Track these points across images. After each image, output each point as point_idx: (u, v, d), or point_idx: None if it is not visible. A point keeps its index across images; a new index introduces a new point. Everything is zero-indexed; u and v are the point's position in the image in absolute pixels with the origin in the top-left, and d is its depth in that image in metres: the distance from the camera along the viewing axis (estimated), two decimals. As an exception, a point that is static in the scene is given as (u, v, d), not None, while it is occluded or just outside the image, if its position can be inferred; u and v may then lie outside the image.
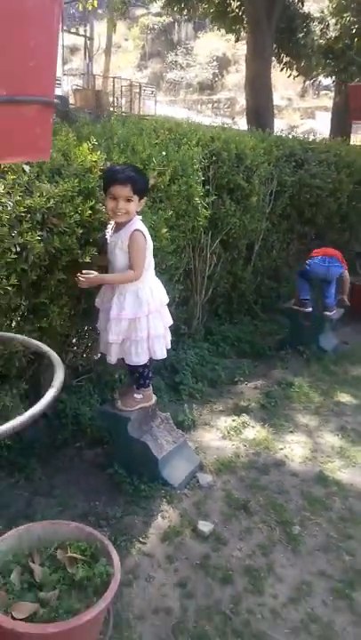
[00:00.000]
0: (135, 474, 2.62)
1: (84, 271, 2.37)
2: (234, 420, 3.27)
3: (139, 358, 2.51)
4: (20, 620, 1.56)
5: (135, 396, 2.67)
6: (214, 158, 3.89)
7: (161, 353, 2.55)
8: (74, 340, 3.08)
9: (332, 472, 2.82)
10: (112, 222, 2.49)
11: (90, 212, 2.42)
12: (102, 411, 2.76)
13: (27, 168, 2.28)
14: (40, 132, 1.25)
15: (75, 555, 1.78)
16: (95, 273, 2.39)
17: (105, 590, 1.64)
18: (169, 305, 3.67)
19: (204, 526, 2.37)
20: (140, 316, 2.45)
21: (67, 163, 2.49)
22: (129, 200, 2.35)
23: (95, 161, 2.59)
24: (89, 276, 2.36)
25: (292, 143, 5.09)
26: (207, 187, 3.77)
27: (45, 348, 1.31)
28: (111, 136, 3.07)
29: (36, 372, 2.83)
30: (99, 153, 2.66)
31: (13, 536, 1.82)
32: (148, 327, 2.48)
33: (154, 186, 3.08)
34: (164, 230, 3.07)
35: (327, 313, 4.22)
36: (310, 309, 4.27)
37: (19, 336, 1.41)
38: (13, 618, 1.56)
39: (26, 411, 2.51)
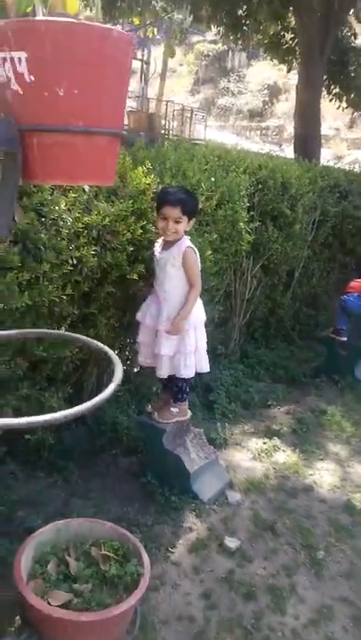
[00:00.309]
0: (167, 485, 2.70)
1: (172, 328, 2.51)
2: (265, 443, 3.33)
3: (188, 371, 2.61)
4: (56, 606, 1.66)
5: (172, 409, 2.77)
6: (260, 186, 4.01)
7: (206, 366, 2.69)
8: (116, 352, 3.22)
9: (360, 502, 2.84)
10: (160, 240, 2.63)
11: (141, 231, 2.57)
12: (140, 421, 2.87)
13: (86, 188, 2.45)
14: (109, 161, 1.40)
15: (108, 553, 1.88)
16: (181, 323, 2.51)
17: (135, 588, 1.74)
18: (208, 325, 3.80)
19: (231, 542, 2.43)
20: (189, 329, 2.58)
21: (122, 184, 2.65)
22: (178, 221, 2.49)
23: (149, 184, 2.75)
24: (174, 326, 2.51)
25: (337, 174, 5.18)
26: (252, 213, 3.89)
27: (106, 348, 1.44)
28: (164, 161, 3.24)
29: (79, 378, 2.97)
30: (152, 176, 2.82)
31: (52, 530, 1.94)
32: (196, 340, 2.61)
33: (201, 209, 3.22)
34: (209, 252, 3.20)
35: None
36: (345, 339, 4.30)
37: (81, 336, 1.55)
38: (49, 604, 1.66)
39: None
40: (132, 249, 2.57)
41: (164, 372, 2.63)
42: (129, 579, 1.79)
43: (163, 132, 15.44)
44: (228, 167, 3.80)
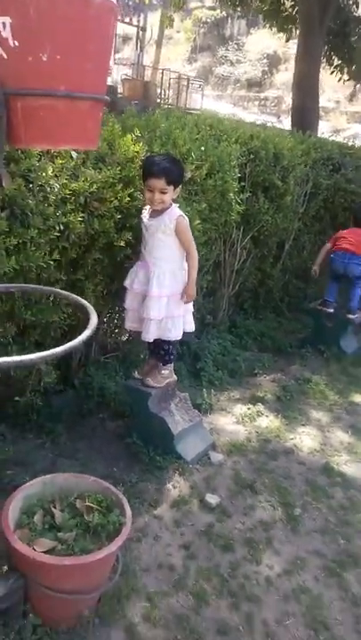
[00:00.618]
0: (152, 445, 2.81)
1: (187, 297, 2.67)
2: (249, 409, 3.43)
3: (177, 332, 2.73)
4: (40, 552, 1.76)
5: (163, 372, 2.87)
6: (252, 156, 4.02)
7: (191, 326, 2.81)
8: (105, 319, 3.29)
9: (338, 465, 2.96)
10: (147, 207, 2.67)
11: (128, 198, 2.61)
12: (127, 385, 2.95)
13: (74, 154, 2.47)
14: (91, 124, 1.44)
15: (92, 504, 1.98)
16: (192, 289, 2.69)
17: (116, 536, 1.84)
18: (197, 294, 3.86)
19: (212, 498, 2.54)
20: (177, 292, 2.67)
21: (111, 152, 2.68)
22: (163, 192, 2.54)
23: (137, 152, 2.77)
24: (187, 294, 2.69)
25: (331, 147, 5.18)
26: (243, 183, 3.92)
27: (83, 300, 1.51)
28: (154, 129, 3.25)
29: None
30: (141, 144, 2.84)
31: (39, 483, 2.03)
32: (184, 303, 2.72)
33: (190, 179, 3.25)
34: (197, 222, 3.24)
35: (350, 316, 4.33)
36: (332, 310, 4.38)
37: (60, 291, 1.62)
38: (34, 550, 1.76)
39: (56, 377, 2.74)
40: (119, 216, 2.61)
41: (150, 336, 2.69)
42: (111, 527, 1.89)
43: (158, 100, 15.21)
44: (220, 137, 3.80)
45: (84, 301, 1.49)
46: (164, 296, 2.64)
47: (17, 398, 2.63)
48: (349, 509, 2.60)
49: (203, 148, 3.38)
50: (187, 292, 2.70)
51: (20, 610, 1.82)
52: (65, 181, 2.34)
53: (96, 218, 2.51)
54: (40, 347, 2.79)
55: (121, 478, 2.61)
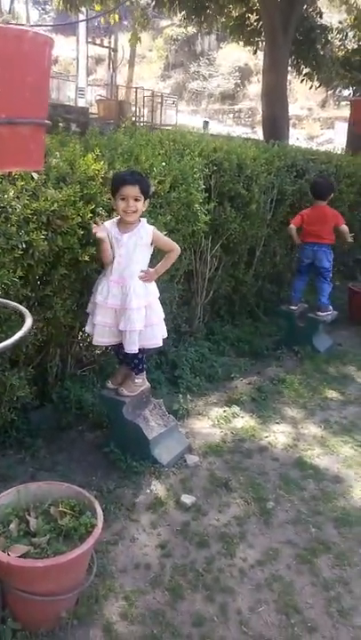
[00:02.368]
0: (129, 453, 2.89)
1: (142, 271, 2.76)
2: (225, 411, 3.52)
3: (157, 340, 2.85)
4: (15, 557, 1.84)
5: (136, 381, 2.95)
6: (215, 168, 4.16)
7: (164, 332, 2.92)
8: (79, 333, 3.37)
9: (311, 458, 3.06)
10: (112, 222, 2.75)
11: (90, 214, 2.72)
12: (102, 395, 3.04)
13: (35, 176, 2.58)
14: (34, 147, 1.55)
15: (65, 509, 2.06)
16: (151, 270, 2.80)
17: (88, 537, 1.91)
18: (171, 304, 3.96)
19: (187, 499, 2.63)
20: (152, 301, 2.80)
21: (72, 171, 2.79)
22: (137, 199, 2.65)
23: (98, 170, 2.89)
24: (149, 274, 2.77)
25: (295, 154, 5.33)
26: (208, 194, 4.04)
27: (14, 304, 1.60)
28: (116, 147, 3.37)
29: (43, 360, 3.13)
30: (102, 163, 2.96)
31: (12, 493, 2.11)
32: (158, 311, 2.84)
33: (154, 192, 3.37)
34: (163, 233, 3.35)
35: (319, 313, 4.45)
36: (294, 307, 4.54)
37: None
38: (8, 556, 1.83)
39: (31, 392, 2.81)
40: (82, 232, 2.71)
41: (135, 347, 2.77)
42: (83, 529, 1.97)
43: (133, 118, 15.44)
44: (183, 151, 3.93)
45: (16, 305, 1.58)
46: (142, 307, 2.75)
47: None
48: (321, 499, 2.69)
49: (164, 163, 3.51)
50: (151, 271, 2.79)
51: (-1, 615, 1.89)
52: (26, 202, 2.45)
53: (59, 235, 2.61)
54: (15, 363, 2.88)
55: (99, 486, 2.69)
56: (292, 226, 4.65)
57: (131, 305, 2.71)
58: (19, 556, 1.85)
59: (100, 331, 2.83)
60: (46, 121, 1.58)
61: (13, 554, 1.86)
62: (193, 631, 1.99)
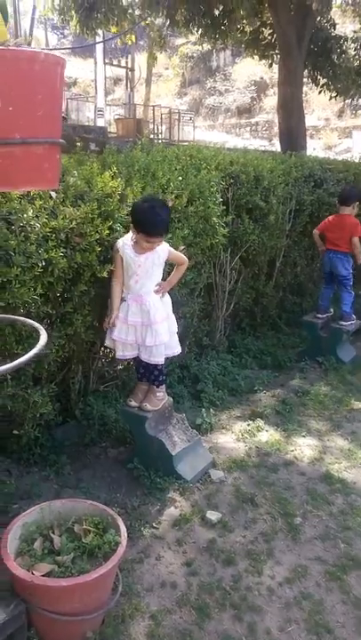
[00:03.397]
0: (152, 469, 2.87)
1: (156, 285, 2.83)
2: (249, 425, 3.48)
3: (178, 347, 2.95)
4: (39, 576, 1.82)
5: (158, 394, 2.95)
6: (232, 181, 4.17)
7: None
8: (101, 349, 3.38)
9: (338, 472, 2.98)
10: (127, 243, 2.78)
11: (108, 231, 2.74)
12: (123, 411, 3.03)
13: (53, 194, 2.62)
14: (48, 166, 1.57)
15: (89, 527, 2.04)
16: (164, 283, 2.87)
17: (112, 555, 1.89)
18: (191, 317, 3.96)
19: (212, 515, 2.58)
20: (169, 311, 2.89)
21: (89, 189, 2.82)
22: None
23: (115, 187, 2.92)
24: (162, 287, 2.85)
25: (312, 164, 5.31)
26: (226, 207, 4.05)
27: (29, 321, 1.61)
28: (133, 164, 3.41)
29: (65, 376, 3.14)
30: (119, 180, 2.99)
31: (36, 511, 2.10)
32: (175, 320, 2.93)
33: (172, 207, 3.38)
34: (182, 247, 3.36)
35: (342, 323, 4.38)
36: (321, 316, 4.49)
37: (5, 316, 1.73)
38: (33, 574, 1.82)
39: (54, 409, 2.82)
40: (100, 249, 2.73)
41: (161, 359, 2.85)
42: (107, 547, 1.95)
43: (151, 136, 15.65)
44: (200, 165, 3.95)
45: (32, 322, 1.59)
46: (164, 320, 2.83)
47: (15, 432, 2.71)
48: (350, 514, 2.62)
49: (180, 178, 3.52)
50: (164, 284, 2.86)
51: (24, 635, 1.87)
52: (45, 220, 2.48)
53: (78, 252, 2.63)
54: (37, 380, 2.89)
55: (123, 503, 2.67)
56: (315, 231, 4.67)
57: (156, 319, 2.77)
58: (43, 575, 1.84)
59: (121, 345, 2.87)
60: (60, 140, 1.60)
61: (38, 573, 1.85)
62: (221, 652, 1.94)
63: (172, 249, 2.92)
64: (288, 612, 2.09)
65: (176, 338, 2.97)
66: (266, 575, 2.26)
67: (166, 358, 2.97)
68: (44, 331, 1.47)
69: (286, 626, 2.04)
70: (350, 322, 4.43)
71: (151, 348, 2.82)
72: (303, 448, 3.23)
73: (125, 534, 1.98)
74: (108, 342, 2.93)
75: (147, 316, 2.77)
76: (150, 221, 2.67)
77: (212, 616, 2.07)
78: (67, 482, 2.88)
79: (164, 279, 2.91)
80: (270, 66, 12.65)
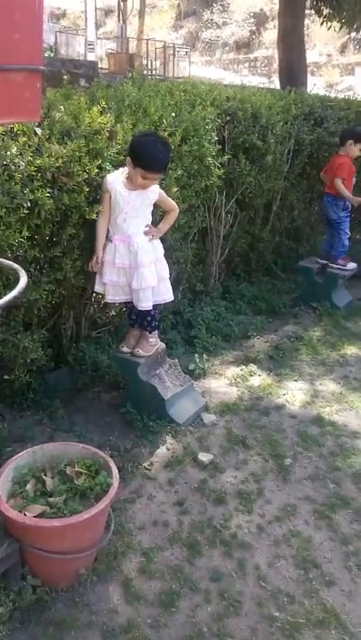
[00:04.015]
0: (145, 413, 2.88)
1: (146, 225, 2.74)
2: (242, 370, 3.48)
3: (169, 294, 2.87)
4: (32, 517, 1.85)
5: (150, 339, 2.92)
6: (229, 118, 3.98)
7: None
8: (92, 295, 3.33)
9: (329, 414, 3.01)
10: (114, 177, 2.67)
11: (97, 170, 2.62)
12: (115, 356, 3.01)
13: (38, 131, 2.48)
14: (29, 95, 1.45)
15: (81, 469, 2.06)
16: (156, 229, 2.79)
17: (104, 496, 1.92)
18: (184, 262, 3.88)
19: (204, 457, 2.62)
20: (159, 255, 2.79)
21: (76, 125, 2.68)
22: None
23: (104, 123, 2.77)
24: (153, 230, 2.76)
25: (312, 101, 5.08)
26: (222, 146, 3.88)
27: (7, 262, 1.55)
28: (123, 99, 3.23)
29: (57, 322, 3.10)
30: (108, 115, 2.84)
31: (29, 453, 2.12)
32: (166, 265, 2.84)
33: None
34: (175, 189, 3.24)
35: (331, 265, 4.36)
36: (321, 260, 4.44)
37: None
38: (25, 515, 1.85)
39: (45, 354, 2.79)
40: (89, 189, 2.62)
41: (149, 303, 2.77)
42: (99, 488, 1.97)
43: (145, 72, 14.95)
44: (194, 101, 3.76)
45: (10, 263, 1.53)
46: (152, 263, 2.74)
47: (7, 377, 2.70)
48: (339, 455, 2.67)
49: (173, 114, 3.36)
50: (155, 229, 2.78)
51: (19, 573, 1.92)
52: (30, 158, 2.36)
53: (65, 193, 2.53)
54: (28, 326, 2.86)
55: (116, 446, 2.69)
56: (321, 173, 4.61)
57: (143, 262, 2.68)
58: (35, 516, 1.87)
59: (112, 289, 2.81)
60: (42, 67, 1.48)
61: (30, 514, 1.88)
62: (211, 586, 2.00)
63: (162, 192, 2.82)
64: (277, 549, 2.15)
65: (168, 284, 2.87)
66: (256, 514, 2.32)
67: (158, 305, 2.91)
68: (23, 272, 1.41)
69: (275, 562, 2.10)
70: (344, 266, 4.37)
71: (138, 292, 2.73)
72: (295, 392, 3.25)
73: (117, 476, 2.00)
74: (97, 287, 2.86)
75: (134, 257, 2.68)
76: (151, 155, 2.58)
77: (202, 553, 2.13)
78: (60, 425, 2.90)
79: (154, 224, 2.82)
80: (271, -5, 11.93)
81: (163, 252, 2.84)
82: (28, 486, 2.02)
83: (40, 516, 1.88)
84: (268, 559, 2.11)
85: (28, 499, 1.97)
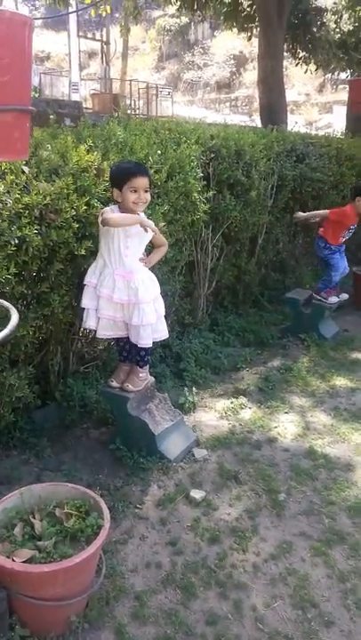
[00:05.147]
0: (135, 449, 2.83)
1: (143, 260, 2.74)
2: (232, 402, 3.45)
3: (165, 331, 2.84)
4: (20, 562, 1.78)
5: (140, 375, 2.88)
6: (213, 155, 4.07)
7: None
8: (80, 330, 3.31)
9: (322, 447, 2.99)
10: (117, 212, 2.66)
11: (85, 207, 2.64)
12: (104, 391, 2.97)
13: (26, 169, 2.51)
14: (18, 135, 1.47)
15: (70, 511, 2.00)
16: (147, 258, 2.80)
17: (95, 539, 1.86)
18: (172, 296, 3.89)
19: (197, 494, 2.56)
20: (158, 293, 2.76)
21: (64, 163, 2.71)
22: (147, 190, 2.62)
23: (91, 161, 2.81)
24: (146, 260, 2.77)
25: (294, 138, 5.23)
26: (207, 182, 3.95)
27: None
28: (109, 137, 3.29)
29: (44, 358, 3.07)
30: (95, 153, 2.88)
31: (16, 496, 2.05)
32: (162, 303, 2.81)
33: (150, 182, 3.29)
34: (162, 224, 3.27)
35: (315, 296, 4.45)
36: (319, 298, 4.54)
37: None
38: (13, 561, 1.78)
39: (32, 391, 2.75)
40: (77, 226, 2.64)
41: (149, 341, 2.74)
42: (90, 530, 1.91)
43: (128, 111, 15.30)
44: (179, 139, 3.84)
45: (1, 301, 1.51)
46: (153, 300, 2.71)
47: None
48: (333, 489, 2.63)
49: (159, 152, 3.42)
50: (147, 258, 2.79)
51: (6, 623, 1.84)
52: (17, 196, 2.37)
53: (53, 229, 2.54)
54: (15, 363, 2.82)
55: (106, 484, 2.63)
56: (327, 212, 4.68)
57: (144, 298, 2.65)
58: (24, 561, 1.80)
59: (106, 324, 2.76)
60: (30, 107, 1.51)
61: (18, 559, 1.81)
62: (207, 630, 1.93)
63: (157, 229, 2.82)
64: (274, 588, 2.09)
65: (164, 321, 2.84)
66: (251, 552, 2.26)
67: (154, 342, 2.87)
68: (14, 310, 1.40)
69: (272, 602, 2.03)
70: (321, 298, 4.44)
71: (138, 329, 2.69)
72: (286, 424, 3.23)
73: (108, 516, 1.94)
74: (90, 323, 2.75)
75: (134, 293, 2.63)
76: (126, 165, 2.65)
77: (197, 595, 2.06)
78: (47, 465, 2.83)
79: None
80: (250, 39, 12.42)
81: (160, 290, 2.81)
82: (16, 530, 1.96)
83: (29, 561, 1.81)
84: (264, 599, 2.05)
85: (17, 543, 1.90)
